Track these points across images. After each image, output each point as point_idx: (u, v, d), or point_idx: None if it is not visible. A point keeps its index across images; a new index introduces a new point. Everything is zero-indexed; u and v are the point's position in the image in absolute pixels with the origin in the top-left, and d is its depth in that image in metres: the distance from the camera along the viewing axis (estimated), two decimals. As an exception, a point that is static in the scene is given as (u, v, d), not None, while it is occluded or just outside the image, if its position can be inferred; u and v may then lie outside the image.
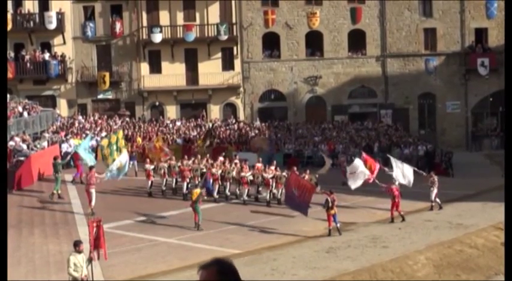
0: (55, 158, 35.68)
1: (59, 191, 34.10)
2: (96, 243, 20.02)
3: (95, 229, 20.03)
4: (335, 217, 29.05)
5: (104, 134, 48.09)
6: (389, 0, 56.71)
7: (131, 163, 41.76)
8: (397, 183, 33.02)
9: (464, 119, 57.53)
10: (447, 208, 34.26)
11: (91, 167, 32.85)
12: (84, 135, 46.89)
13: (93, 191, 31.51)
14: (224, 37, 55.74)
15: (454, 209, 34.06)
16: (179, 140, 48.60)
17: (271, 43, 57.43)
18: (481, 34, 57.17)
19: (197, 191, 30.12)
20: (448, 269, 25.09)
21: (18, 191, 35.54)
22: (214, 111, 56.87)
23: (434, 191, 33.91)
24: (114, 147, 34.60)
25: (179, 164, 37.01)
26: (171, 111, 56.83)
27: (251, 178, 35.62)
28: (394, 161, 35.80)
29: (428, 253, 26.09)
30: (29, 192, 35.78)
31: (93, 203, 31.28)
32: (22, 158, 37.79)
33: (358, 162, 35.33)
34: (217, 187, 35.95)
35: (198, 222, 29.53)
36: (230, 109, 57.45)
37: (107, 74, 55.57)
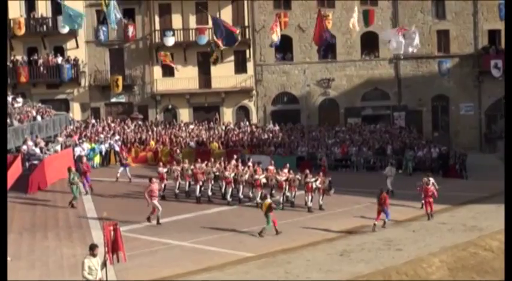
0: (69, 170, 34.72)
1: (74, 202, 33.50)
2: (114, 247, 20.01)
3: (112, 233, 20.01)
4: (386, 213, 30.08)
5: (117, 137, 48.24)
6: (402, 1, 56.66)
7: (124, 169, 41.09)
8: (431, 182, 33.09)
9: (478, 121, 57.41)
10: (461, 210, 34.15)
11: (150, 179, 31.48)
12: (97, 138, 47.12)
13: (155, 202, 30.60)
14: (237, 40, 55.80)
15: (468, 211, 33.92)
16: (192, 143, 48.64)
17: (283, 46, 57.40)
18: (494, 36, 57.04)
19: (266, 202, 29.77)
20: (462, 272, 24.99)
21: (32, 195, 35.62)
22: (227, 115, 56.94)
23: None
24: None
25: (192, 167, 37.02)
26: (184, 114, 56.93)
27: (264, 180, 35.59)
28: None
29: (443, 255, 25.98)
30: (42, 196, 35.84)
31: (159, 212, 30.53)
32: (36, 162, 37.88)
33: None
34: (230, 189, 35.93)
35: (263, 229, 29.20)
36: (243, 112, 57.49)
37: (120, 78, 55.71)
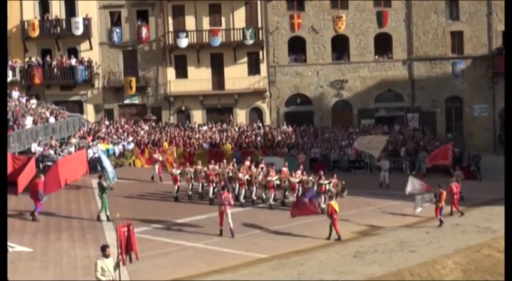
0: (100, 177, 32.92)
1: (108, 213, 31.17)
2: (128, 247, 20.01)
3: (125, 234, 20.01)
4: (441, 210, 31.03)
5: (130, 139, 48.31)
6: (416, 2, 56.54)
7: None
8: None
9: (492, 122, 57.14)
10: (475, 212, 34.02)
11: (224, 188, 30.29)
12: (110, 140, 47.19)
13: (229, 212, 29.08)
14: (250, 42, 55.79)
15: (482, 213, 33.80)
16: (205, 145, 48.68)
17: (297, 47, 57.40)
18: (508, 37, 56.78)
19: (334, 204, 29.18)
20: (476, 274, 24.90)
21: (46, 196, 35.63)
22: (241, 116, 56.90)
23: None
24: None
25: (205, 168, 37.02)
26: (197, 115, 56.94)
27: (277, 182, 35.54)
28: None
29: (456, 257, 25.89)
30: (56, 197, 35.90)
31: (231, 224, 28.93)
32: (49, 163, 37.95)
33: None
34: (243, 191, 35.92)
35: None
36: (256, 114, 57.46)
37: (133, 79, 55.80)
